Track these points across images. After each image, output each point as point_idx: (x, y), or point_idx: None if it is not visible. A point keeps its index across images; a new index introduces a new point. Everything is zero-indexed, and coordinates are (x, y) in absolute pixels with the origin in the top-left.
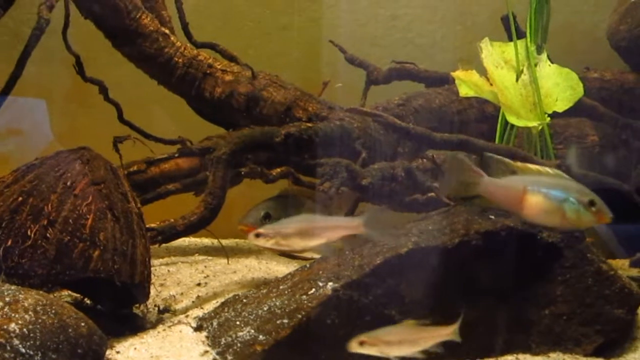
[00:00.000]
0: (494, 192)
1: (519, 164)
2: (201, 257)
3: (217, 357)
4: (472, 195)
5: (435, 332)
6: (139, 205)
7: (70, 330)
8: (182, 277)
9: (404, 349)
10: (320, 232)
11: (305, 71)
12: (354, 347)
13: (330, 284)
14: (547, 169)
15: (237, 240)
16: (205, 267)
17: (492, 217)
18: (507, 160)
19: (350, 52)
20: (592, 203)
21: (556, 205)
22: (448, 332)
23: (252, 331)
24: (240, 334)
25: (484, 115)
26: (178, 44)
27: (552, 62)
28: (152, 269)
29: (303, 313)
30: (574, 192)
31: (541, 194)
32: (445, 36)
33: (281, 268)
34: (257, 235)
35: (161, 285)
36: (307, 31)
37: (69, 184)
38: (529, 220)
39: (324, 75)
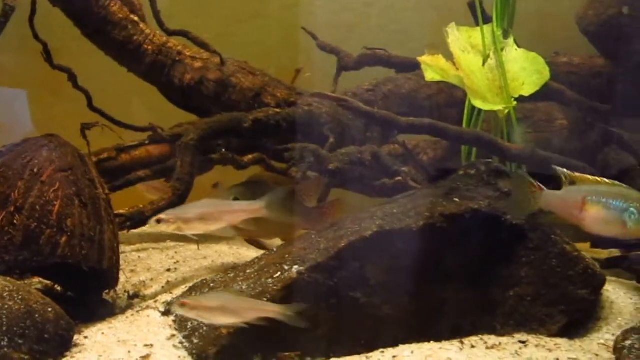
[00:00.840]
0: (555, 204)
1: (577, 174)
2: (172, 244)
3: (184, 340)
4: (537, 211)
5: (261, 307)
6: (106, 191)
7: (37, 315)
8: (153, 263)
9: (224, 318)
10: (221, 216)
11: (280, 58)
12: (176, 307)
13: (296, 267)
14: (605, 180)
15: None
16: (176, 253)
17: (457, 200)
18: (564, 170)
19: (325, 40)
20: None
21: (617, 215)
22: (275, 310)
23: None
24: None
25: (454, 100)
26: (147, 31)
27: (521, 47)
28: (122, 255)
29: (268, 296)
30: (634, 202)
31: (601, 204)
32: (419, 23)
33: (251, 253)
34: (158, 221)
35: (132, 271)
36: (281, 18)
37: (36, 170)
38: (590, 232)
39: (298, 63)
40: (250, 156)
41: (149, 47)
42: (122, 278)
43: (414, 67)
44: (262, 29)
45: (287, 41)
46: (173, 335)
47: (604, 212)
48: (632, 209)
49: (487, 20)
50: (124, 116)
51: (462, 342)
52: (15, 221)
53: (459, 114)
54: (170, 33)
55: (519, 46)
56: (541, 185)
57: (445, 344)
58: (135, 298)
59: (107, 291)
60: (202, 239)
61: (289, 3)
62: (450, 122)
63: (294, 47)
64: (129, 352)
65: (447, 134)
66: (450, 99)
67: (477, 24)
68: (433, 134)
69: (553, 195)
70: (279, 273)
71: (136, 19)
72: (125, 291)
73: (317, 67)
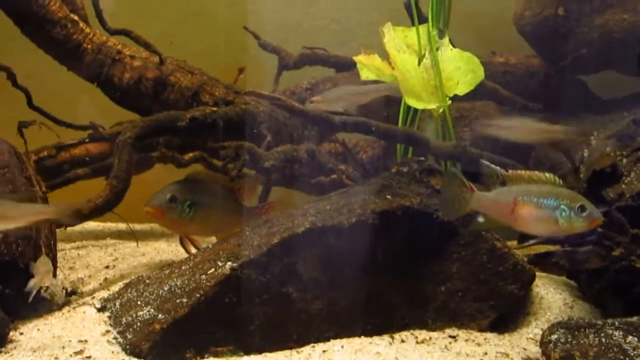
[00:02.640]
0: (486, 205)
1: (510, 172)
2: (112, 241)
3: (118, 336)
4: (468, 212)
5: (36, 209)
6: (44, 189)
7: None
8: (91, 260)
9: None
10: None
11: (222, 57)
12: None
13: (229, 263)
14: (539, 175)
15: (151, 224)
16: (115, 250)
17: (389, 197)
18: (497, 168)
19: (267, 39)
20: (582, 208)
21: (548, 213)
22: (51, 210)
23: (152, 310)
24: (140, 313)
25: (391, 99)
26: (87, 30)
27: (461, 47)
28: (62, 252)
29: (201, 292)
30: (565, 199)
31: (532, 204)
32: (360, 22)
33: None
34: None
35: (70, 268)
36: (223, 18)
37: None
38: (524, 231)
39: (240, 62)
40: (190, 154)
41: (89, 46)
42: (60, 275)
43: (352, 66)
44: (203, 27)
45: (228, 40)
46: (107, 331)
47: (536, 211)
48: (563, 206)
49: (423, 20)
50: (68, 115)
51: (392, 337)
52: None
53: (397, 112)
54: (112, 32)
55: (455, 46)
56: (472, 186)
57: (375, 339)
58: (72, 295)
59: (44, 288)
60: (144, 237)
61: (231, 2)
62: (389, 120)
63: (234, 46)
64: (63, 347)
65: (378, 132)
66: (388, 98)
67: (413, 24)
68: (365, 132)
69: (484, 196)
70: (213, 269)
71: (76, 17)
72: (63, 288)
73: (259, 66)
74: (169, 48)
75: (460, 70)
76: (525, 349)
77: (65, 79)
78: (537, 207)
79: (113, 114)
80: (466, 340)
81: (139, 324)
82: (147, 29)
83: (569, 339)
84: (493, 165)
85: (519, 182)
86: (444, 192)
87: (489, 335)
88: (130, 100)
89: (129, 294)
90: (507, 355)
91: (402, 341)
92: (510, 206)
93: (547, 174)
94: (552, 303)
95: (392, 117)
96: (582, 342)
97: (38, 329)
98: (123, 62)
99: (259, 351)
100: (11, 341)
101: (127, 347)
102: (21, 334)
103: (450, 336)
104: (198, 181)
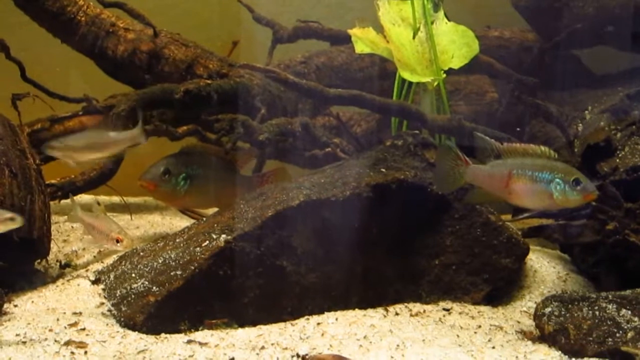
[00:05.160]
0: (481, 179)
1: (505, 145)
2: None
3: (112, 308)
4: (463, 185)
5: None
6: (37, 161)
7: None
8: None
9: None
10: (106, 145)
11: (216, 30)
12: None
13: (224, 236)
14: (534, 148)
15: (145, 198)
16: None
17: (384, 170)
18: (492, 141)
19: (261, 13)
20: (577, 182)
21: (543, 187)
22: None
23: (147, 283)
24: (134, 285)
25: (386, 73)
26: (81, 2)
27: (454, 21)
28: (56, 225)
29: (196, 265)
30: (560, 172)
31: (527, 177)
32: None
33: (184, 223)
34: (50, 148)
35: (64, 241)
36: None
37: None
38: (518, 205)
39: (234, 35)
40: (184, 127)
41: (82, 19)
42: (54, 248)
43: (347, 39)
44: (200, 2)
45: (222, 13)
46: (102, 304)
47: (531, 185)
48: (557, 180)
49: None
50: (62, 88)
51: (386, 310)
52: None
53: (391, 86)
54: (107, 5)
55: (449, 19)
56: (467, 158)
57: (369, 311)
58: (66, 267)
59: (38, 261)
60: (137, 210)
61: None
62: (384, 94)
63: (228, 19)
64: (58, 320)
65: (373, 105)
66: (383, 71)
67: None
68: (360, 105)
69: (479, 169)
70: (207, 242)
71: None
72: (57, 260)
73: (256, 40)
74: (163, 21)
75: (455, 43)
76: (519, 322)
77: (59, 52)
78: (531, 181)
79: (107, 87)
80: (460, 313)
81: (133, 296)
82: (141, 2)
83: (563, 312)
84: (488, 138)
85: (514, 155)
86: (439, 165)
87: (482, 308)
88: (124, 73)
89: (123, 267)
90: (501, 328)
91: (396, 314)
92: (505, 179)
93: (542, 147)
94: (546, 276)
95: (387, 90)
96: (575, 315)
97: (32, 302)
98: (117, 35)
99: (254, 323)
100: (5, 313)
101: (122, 319)
102: (15, 306)
103: (444, 309)
104: (193, 154)
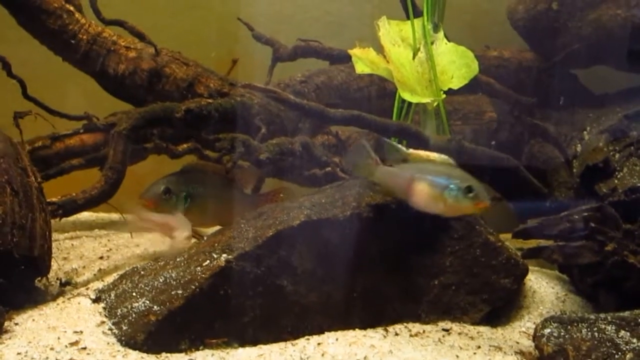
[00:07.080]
0: (387, 179)
1: (411, 151)
2: (106, 232)
3: (113, 327)
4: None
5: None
6: (39, 179)
7: None
8: (85, 251)
9: None
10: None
11: (216, 49)
12: None
13: (224, 255)
14: (435, 156)
15: None
16: (109, 240)
17: None
18: (400, 147)
19: (260, 30)
20: (470, 189)
21: (438, 192)
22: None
23: (147, 302)
24: (135, 304)
25: (385, 92)
26: (82, 20)
27: (456, 41)
28: (56, 242)
29: (196, 284)
30: (455, 180)
31: (426, 182)
32: (353, 15)
33: None
34: None
35: (64, 258)
36: (217, 9)
37: None
38: (417, 207)
39: (234, 53)
40: (184, 145)
41: (84, 37)
42: (54, 265)
43: (347, 59)
44: (197, 19)
45: (222, 31)
46: (102, 322)
47: (428, 189)
48: (452, 186)
49: (418, 13)
50: (62, 105)
51: (386, 330)
52: None
53: (391, 106)
54: (107, 22)
55: (449, 40)
56: (378, 159)
57: (369, 332)
58: (67, 285)
59: (38, 278)
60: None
61: None
62: (382, 113)
63: (228, 37)
64: (59, 338)
65: (373, 126)
66: (382, 91)
67: (409, 18)
68: (360, 125)
69: (386, 171)
70: (208, 261)
71: (71, 8)
72: (57, 278)
73: (253, 56)
74: (163, 40)
75: (455, 64)
76: (518, 343)
77: (60, 69)
78: (429, 185)
79: (107, 105)
80: (459, 334)
81: (134, 315)
82: (141, 20)
83: (562, 333)
84: (396, 144)
85: (418, 161)
86: (352, 159)
87: (482, 328)
88: (126, 91)
89: (123, 285)
90: (500, 348)
91: (396, 334)
92: (407, 182)
93: (442, 156)
94: (545, 297)
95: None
96: (574, 336)
97: (33, 320)
98: (118, 53)
99: (254, 343)
100: (6, 331)
101: (123, 338)
102: (16, 324)
103: (443, 329)
104: (194, 172)
